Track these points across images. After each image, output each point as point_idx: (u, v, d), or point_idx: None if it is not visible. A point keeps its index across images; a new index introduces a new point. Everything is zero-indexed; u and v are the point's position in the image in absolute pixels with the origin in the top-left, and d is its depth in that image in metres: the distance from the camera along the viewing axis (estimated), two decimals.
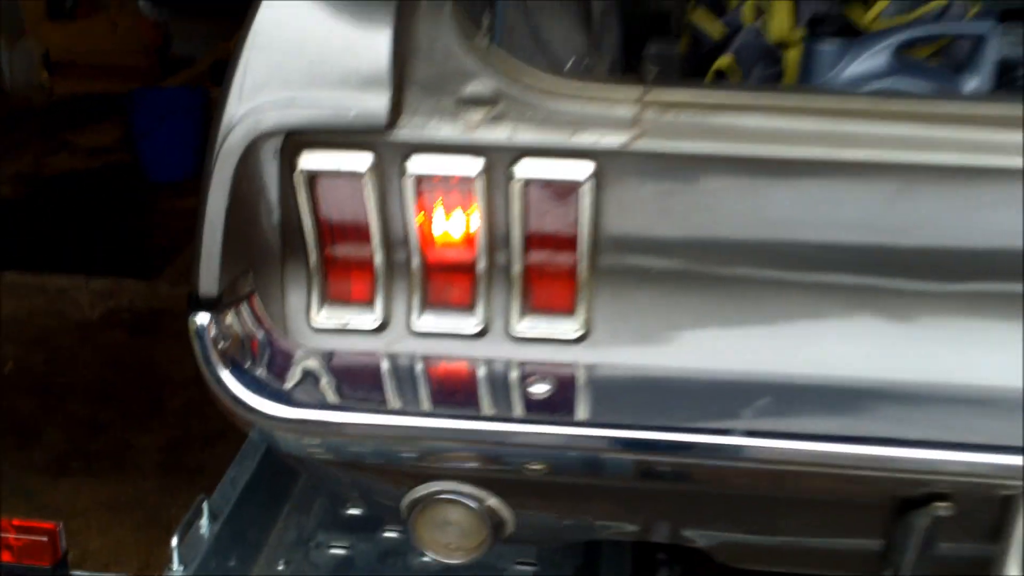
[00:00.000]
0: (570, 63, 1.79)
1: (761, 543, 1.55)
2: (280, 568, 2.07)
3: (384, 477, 1.44)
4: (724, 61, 2.05)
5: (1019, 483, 1.29)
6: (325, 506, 2.22)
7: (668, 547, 1.90)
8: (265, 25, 1.23)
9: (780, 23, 2.13)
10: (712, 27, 2.16)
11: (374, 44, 1.22)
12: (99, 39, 7.09)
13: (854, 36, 2.08)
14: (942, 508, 1.33)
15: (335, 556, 2.13)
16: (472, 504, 1.43)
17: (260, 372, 1.31)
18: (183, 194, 4.75)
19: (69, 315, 3.91)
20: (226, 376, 1.29)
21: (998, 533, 1.39)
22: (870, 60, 1.99)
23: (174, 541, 1.76)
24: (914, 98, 1.61)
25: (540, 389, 1.33)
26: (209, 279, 1.26)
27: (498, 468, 1.36)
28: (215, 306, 1.28)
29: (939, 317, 1.35)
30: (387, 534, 2.15)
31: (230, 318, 1.30)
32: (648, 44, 2.26)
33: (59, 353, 3.67)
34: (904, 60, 1.99)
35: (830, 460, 1.29)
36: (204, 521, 1.91)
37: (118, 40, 7.01)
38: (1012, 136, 1.23)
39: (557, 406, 1.32)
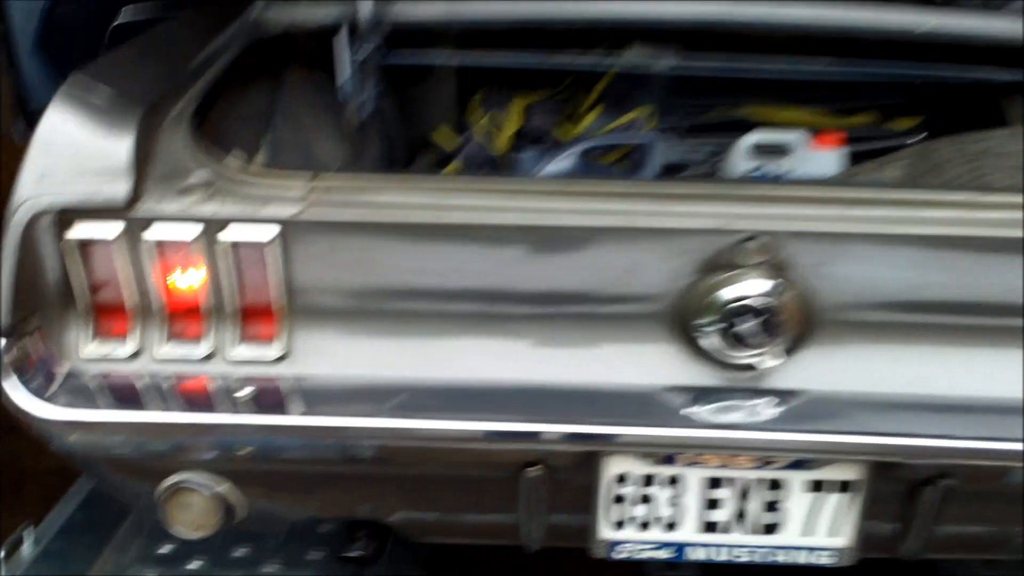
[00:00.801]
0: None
1: (427, 519, 2.06)
2: None
3: (139, 473, 1.93)
4: (451, 167, 2.63)
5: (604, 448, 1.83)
6: (142, 544, 2.68)
7: None
8: (45, 131, 1.77)
9: (503, 139, 2.73)
10: (448, 142, 2.76)
11: (119, 148, 1.77)
12: None
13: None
14: (534, 472, 1.86)
15: None
16: (206, 491, 1.93)
17: (36, 385, 1.81)
18: None
19: None
20: (9, 386, 1.79)
21: (588, 497, 1.93)
22: (560, 163, 2.58)
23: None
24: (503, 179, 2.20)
25: (244, 393, 1.85)
26: (5, 315, 1.78)
27: (220, 455, 1.86)
28: (7, 335, 1.79)
29: (548, 334, 1.90)
30: (191, 565, 2.62)
31: (19, 345, 1.81)
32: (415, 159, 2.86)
33: None
34: (589, 163, 2.58)
35: (460, 439, 1.82)
36: (27, 546, 2.36)
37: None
38: (593, 204, 1.80)
39: (256, 404, 1.84)
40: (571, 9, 2.57)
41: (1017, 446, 1.80)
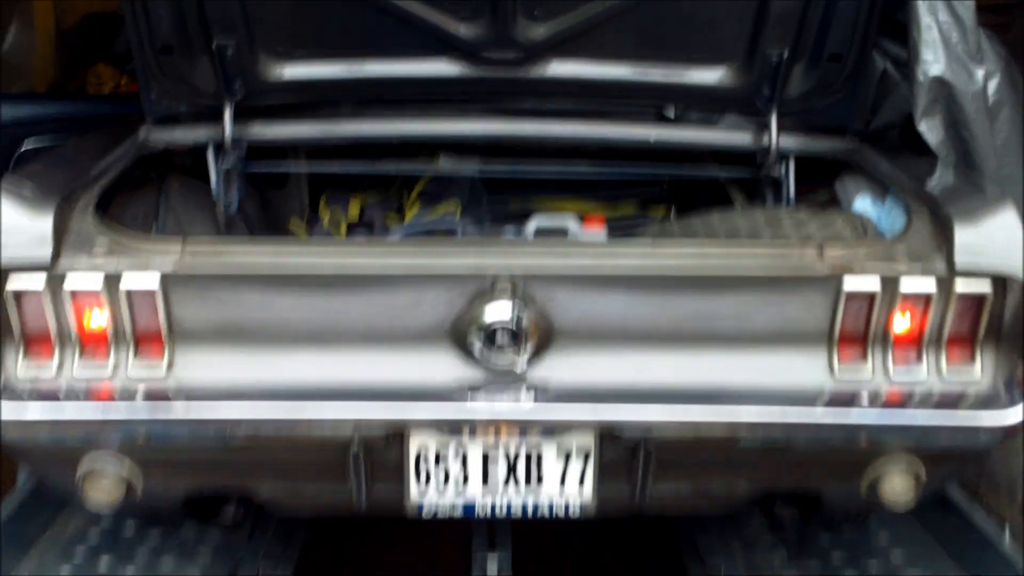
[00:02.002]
0: None
1: (282, 495, 2.73)
2: None
3: (61, 460, 2.58)
4: None
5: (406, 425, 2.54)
6: (62, 544, 3.29)
7: None
8: None
9: (343, 228, 3.50)
10: (300, 231, 3.52)
11: (43, 224, 2.49)
12: None
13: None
14: (356, 447, 2.56)
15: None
16: (113, 473, 2.59)
17: None
18: None
19: None
20: None
21: (399, 469, 2.63)
22: None
23: None
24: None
25: (139, 394, 2.54)
26: None
27: (122, 444, 2.53)
28: None
29: (363, 349, 2.62)
30: (103, 559, 3.23)
31: None
32: None
33: None
34: None
35: (300, 423, 2.53)
36: None
37: None
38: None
39: (148, 403, 2.53)
40: (392, 128, 3.37)
41: (692, 419, 2.57)
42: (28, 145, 4.70)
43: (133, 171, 3.10)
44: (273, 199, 3.79)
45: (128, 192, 3.10)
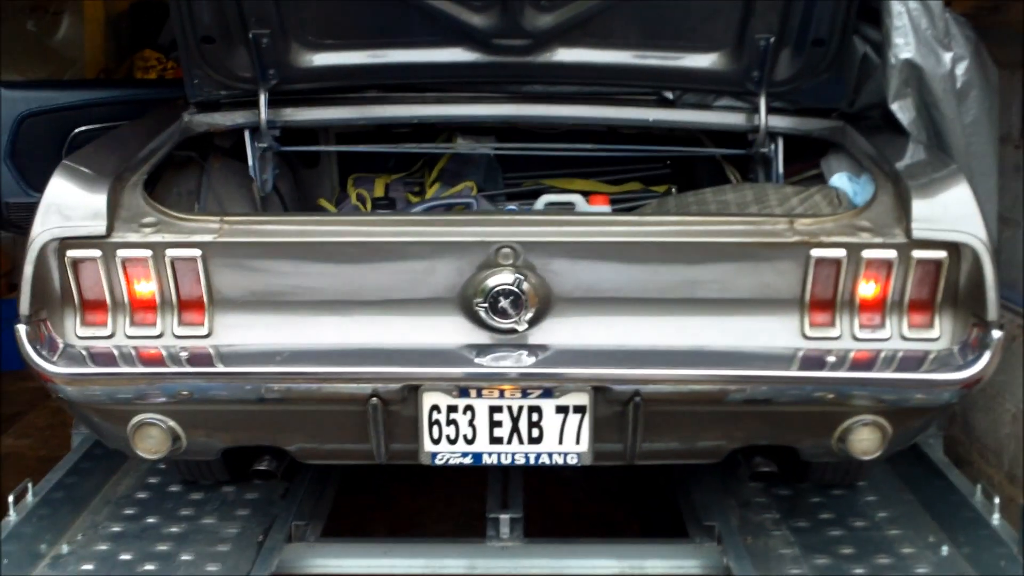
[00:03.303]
0: None
1: (310, 445, 3.05)
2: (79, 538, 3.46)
3: (112, 414, 2.92)
4: None
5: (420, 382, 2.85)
6: (112, 507, 3.65)
7: None
8: (50, 193, 2.81)
9: (370, 204, 3.81)
10: (330, 208, 3.84)
11: (98, 201, 2.81)
12: None
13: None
14: (375, 401, 2.87)
15: (112, 533, 3.53)
16: (161, 425, 2.92)
17: (45, 354, 2.81)
18: (27, 378, 6.10)
19: None
20: (29, 353, 2.79)
21: (414, 424, 2.93)
22: None
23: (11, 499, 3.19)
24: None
25: (183, 355, 2.86)
26: (24, 307, 2.78)
27: (169, 399, 2.86)
28: (27, 322, 2.79)
29: (382, 314, 2.93)
30: (149, 519, 3.58)
31: (33, 328, 2.81)
32: None
33: None
34: None
35: (326, 379, 2.85)
36: (30, 496, 3.33)
37: None
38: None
39: (191, 362, 2.85)
40: (413, 112, 3.67)
41: (678, 377, 2.86)
42: (79, 128, 5.06)
43: (178, 152, 3.42)
44: (305, 179, 4.12)
45: (173, 171, 3.42)
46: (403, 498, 4.61)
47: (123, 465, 3.91)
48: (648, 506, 4.51)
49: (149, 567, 3.28)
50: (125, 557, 3.35)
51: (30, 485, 3.39)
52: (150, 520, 3.58)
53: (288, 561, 3.38)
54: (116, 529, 3.53)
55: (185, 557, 3.36)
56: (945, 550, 3.38)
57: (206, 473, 3.68)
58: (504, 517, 3.45)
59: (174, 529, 3.54)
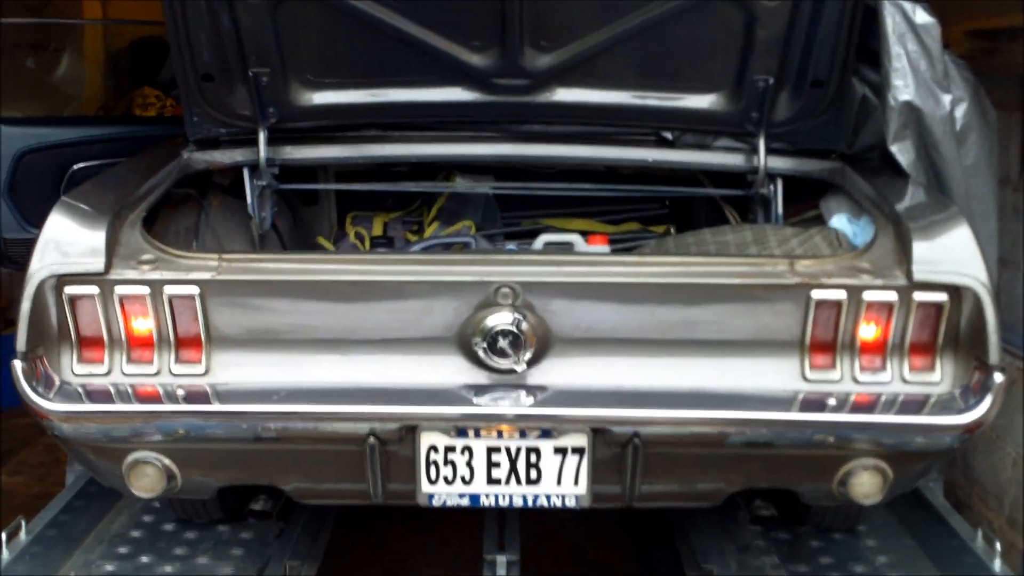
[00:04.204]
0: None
1: (306, 484, 3.03)
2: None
3: (108, 452, 2.89)
4: None
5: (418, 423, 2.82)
6: (105, 546, 3.61)
7: None
8: (48, 229, 2.80)
9: (368, 243, 3.80)
10: (328, 246, 3.83)
11: (97, 238, 2.80)
12: None
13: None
14: (373, 441, 2.85)
15: (106, 572, 3.49)
16: (156, 463, 2.90)
17: (41, 391, 2.79)
18: (22, 415, 6.08)
19: None
20: (25, 390, 2.77)
21: (412, 464, 2.91)
22: None
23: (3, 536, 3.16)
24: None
25: (180, 393, 2.85)
26: (20, 343, 2.77)
27: (165, 437, 2.84)
28: (24, 358, 2.77)
29: (380, 353, 2.91)
30: (143, 559, 3.55)
31: (30, 365, 2.80)
32: None
33: None
34: None
35: (323, 418, 2.82)
36: (23, 534, 3.29)
37: None
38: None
39: (188, 400, 2.83)
40: (412, 150, 3.67)
41: (677, 419, 2.84)
42: (78, 165, 5.08)
43: (176, 189, 3.42)
44: (304, 216, 4.11)
45: (172, 208, 3.42)
46: (397, 539, 4.58)
47: (117, 503, 3.86)
48: (646, 549, 4.47)
49: None
50: None
51: (23, 522, 3.34)
52: (144, 559, 3.54)
53: None
54: (110, 568, 3.48)
55: None
56: None
57: (201, 512, 3.64)
58: (501, 559, 3.41)
59: (168, 569, 3.49)
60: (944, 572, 3.45)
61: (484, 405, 2.85)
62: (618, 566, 4.57)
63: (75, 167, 5.00)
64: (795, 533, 3.71)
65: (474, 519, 3.72)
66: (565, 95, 3.48)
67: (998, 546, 3.25)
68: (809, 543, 3.67)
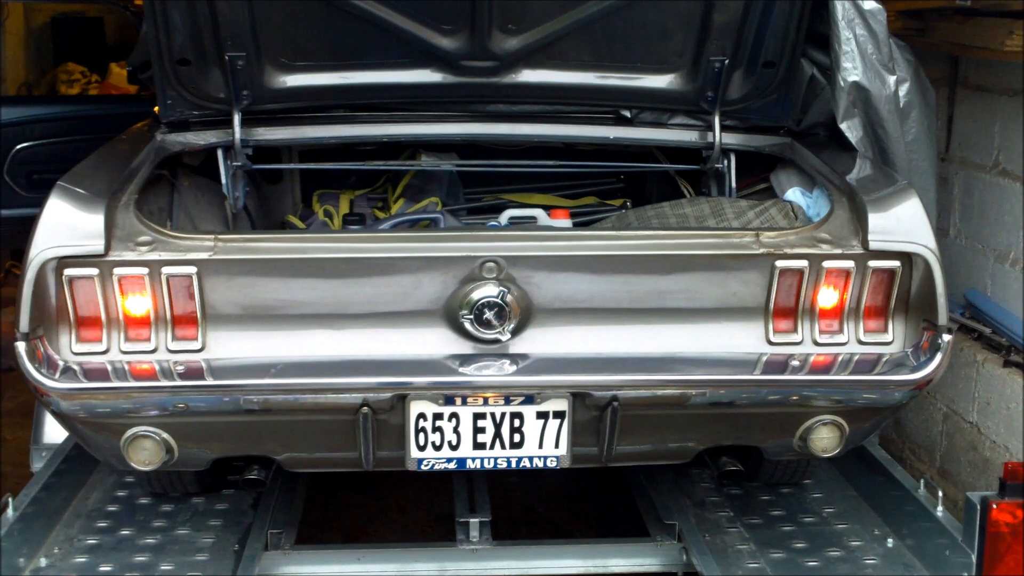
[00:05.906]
0: None
1: (300, 455, 3.15)
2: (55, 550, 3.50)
3: (107, 427, 2.98)
4: None
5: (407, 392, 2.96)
6: (84, 521, 3.68)
7: None
8: (48, 212, 2.86)
9: (337, 221, 3.92)
10: (298, 224, 3.93)
11: (94, 221, 2.88)
12: None
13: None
14: (365, 410, 2.98)
15: (89, 545, 3.57)
16: (155, 437, 2.99)
17: (43, 370, 2.87)
18: None
19: None
20: (28, 368, 2.84)
21: (401, 431, 3.05)
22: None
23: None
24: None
25: (177, 369, 2.95)
26: (23, 325, 2.84)
27: (163, 411, 2.93)
28: (26, 339, 2.85)
29: (371, 327, 3.04)
30: (122, 532, 3.63)
31: (31, 345, 2.87)
32: None
33: None
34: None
35: (316, 390, 2.95)
36: (10, 510, 3.36)
37: None
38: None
39: (184, 376, 2.94)
40: (380, 130, 3.79)
41: (651, 383, 3.02)
42: (21, 145, 5.11)
43: (154, 171, 3.48)
44: (269, 195, 4.20)
45: (143, 190, 3.47)
46: (356, 507, 4.73)
47: (89, 479, 3.93)
48: (601, 509, 4.68)
49: None
50: (105, 569, 3.39)
51: (11, 499, 3.41)
52: (124, 532, 3.61)
53: (265, 569, 3.46)
54: (92, 542, 3.55)
55: (165, 567, 3.41)
56: (890, 542, 3.57)
57: (177, 485, 3.72)
58: (473, 521, 3.57)
59: (149, 540, 3.57)
60: (888, 521, 3.69)
61: (471, 374, 3.00)
62: (568, 525, 4.78)
63: (18, 147, 5.03)
64: (746, 488, 3.93)
65: (429, 486, 3.82)
66: (531, 76, 3.63)
67: (940, 493, 3.50)
68: (760, 497, 3.89)
